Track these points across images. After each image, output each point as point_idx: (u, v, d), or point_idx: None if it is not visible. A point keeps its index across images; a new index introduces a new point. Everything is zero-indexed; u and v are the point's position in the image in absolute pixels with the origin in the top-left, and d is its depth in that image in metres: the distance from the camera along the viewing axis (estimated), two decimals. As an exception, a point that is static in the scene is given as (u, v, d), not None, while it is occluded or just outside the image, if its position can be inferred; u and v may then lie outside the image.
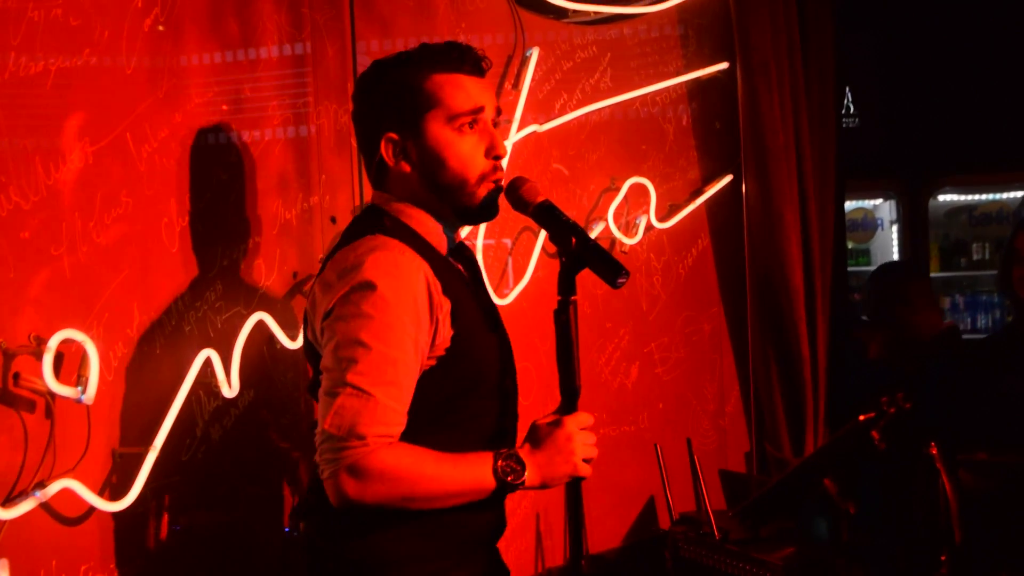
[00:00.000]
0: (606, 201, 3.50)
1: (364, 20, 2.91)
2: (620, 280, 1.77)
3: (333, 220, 2.80)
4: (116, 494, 2.29)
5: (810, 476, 2.49)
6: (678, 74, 3.72)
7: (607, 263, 1.79)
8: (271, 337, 2.60)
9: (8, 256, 2.11)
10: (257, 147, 2.65)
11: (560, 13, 3.40)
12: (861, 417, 2.32)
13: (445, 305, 1.89)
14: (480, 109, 1.95)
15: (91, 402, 2.17)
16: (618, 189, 3.51)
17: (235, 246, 2.59)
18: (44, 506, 2.16)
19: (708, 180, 3.82)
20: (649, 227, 3.61)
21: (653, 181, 3.59)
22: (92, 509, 2.25)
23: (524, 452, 1.87)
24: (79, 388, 2.14)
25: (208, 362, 2.44)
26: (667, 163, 3.72)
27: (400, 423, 1.84)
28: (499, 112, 2.02)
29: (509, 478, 1.84)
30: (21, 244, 2.14)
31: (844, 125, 6.32)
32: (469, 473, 1.85)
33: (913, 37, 6.45)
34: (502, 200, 2.00)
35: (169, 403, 2.37)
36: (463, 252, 2.12)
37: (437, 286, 1.87)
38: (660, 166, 3.69)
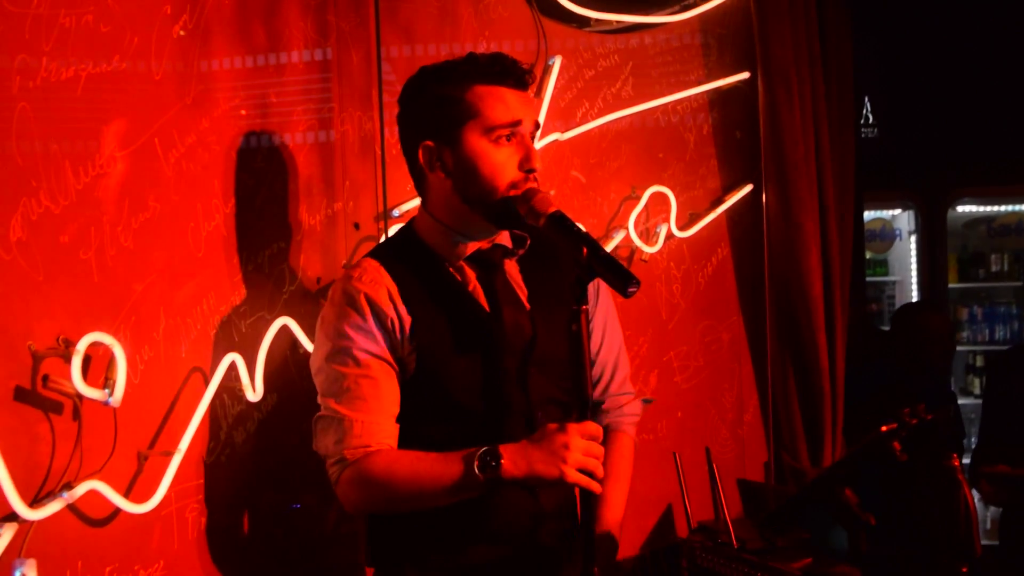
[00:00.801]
0: (627, 209, 3.50)
1: (388, 27, 2.93)
2: (630, 290, 1.78)
3: (356, 226, 2.82)
4: (141, 496, 2.30)
5: (831, 486, 2.49)
6: (699, 83, 3.73)
7: (617, 273, 1.80)
8: (295, 342, 2.62)
9: (38, 259, 2.13)
10: (282, 153, 2.67)
11: (583, 22, 3.41)
12: (883, 428, 2.32)
13: (406, 320, 2.00)
14: (518, 123, 1.98)
15: (118, 404, 2.19)
16: (639, 198, 3.51)
17: (260, 251, 2.61)
18: (71, 507, 2.18)
19: (728, 189, 3.83)
20: (669, 236, 3.61)
21: (674, 190, 3.60)
22: (118, 511, 2.27)
23: (516, 446, 1.88)
24: (106, 390, 2.16)
25: (232, 366, 2.46)
26: (688, 172, 3.73)
27: (379, 432, 1.98)
28: (538, 127, 2.04)
29: (483, 472, 1.86)
30: (51, 247, 2.16)
31: (863, 135, 6.33)
32: (442, 469, 1.90)
33: (932, 47, 6.45)
34: None
35: (194, 406, 2.40)
36: (491, 258, 2.11)
37: (400, 303, 2.01)
38: (681, 175, 3.70)
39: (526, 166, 1.99)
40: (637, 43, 3.57)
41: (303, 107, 2.73)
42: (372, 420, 1.97)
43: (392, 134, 2.89)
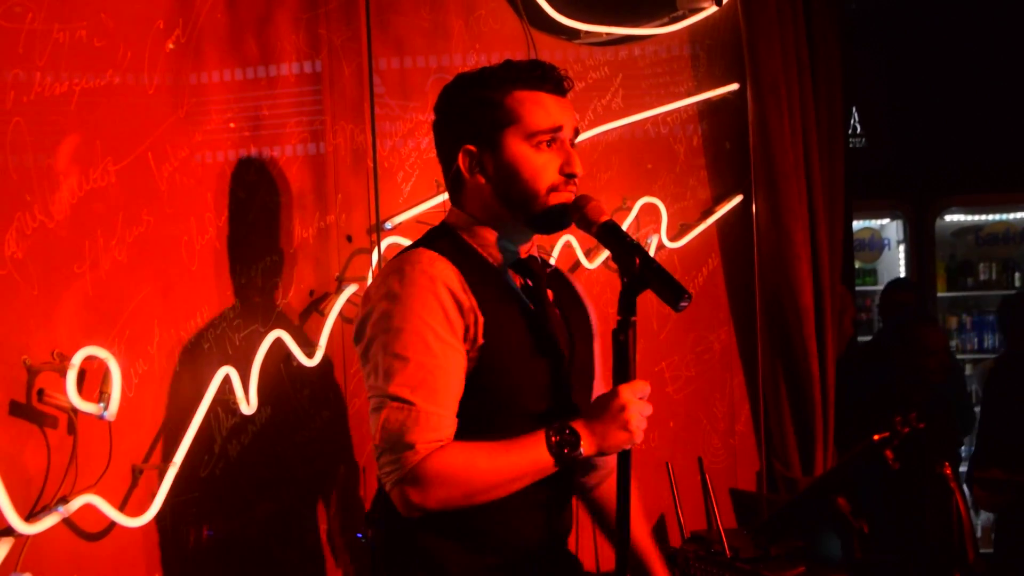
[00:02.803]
0: (617, 221, 3.48)
1: (380, 40, 2.94)
2: (683, 304, 1.78)
3: (349, 239, 2.83)
4: (136, 510, 2.30)
5: (824, 495, 2.51)
6: (689, 95, 3.75)
7: (670, 286, 1.80)
8: (288, 355, 2.62)
9: (33, 273, 2.13)
10: (275, 166, 2.68)
11: (572, 34, 3.43)
12: (875, 437, 2.33)
13: (479, 317, 1.92)
14: (559, 128, 1.97)
15: (113, 418, 2.19)
16: (629, 209, 3.53)
17: (253, 264, 2.62)
18: (66, 521, 2.18)
19: (718, 200, 3.84)
20: (660, 246, 3.62)
21: (664, 201, 3.61)
22: (113, 524, 2.27)
23: (584, 422, 1.87)
24: (101, 404, 2.16)
25: (227, 379, 2.46)
26: (678, 183, 3.74)
27: (448, 426, 1.88)
28: (577, 133, 2.03)
29: (565, 451, 1.85)
30: (45, 261, 2.16)
31: (851, 145, 6.36)
32: (524, 456, 1.87)
33: (920, 57, 6.49)
34: None
35: (188, 420, 2.39)
36: (531, 267, 2.08)
37: (471, 296, 1.91)
38: (671, 186, 3.72)
39: (567, 170, 1.97)
40: (626, 55, 3.59)
41: (295, 120, 2.74)
42: (444, 413, 1.88)
43: (383, 146, 2.92)
